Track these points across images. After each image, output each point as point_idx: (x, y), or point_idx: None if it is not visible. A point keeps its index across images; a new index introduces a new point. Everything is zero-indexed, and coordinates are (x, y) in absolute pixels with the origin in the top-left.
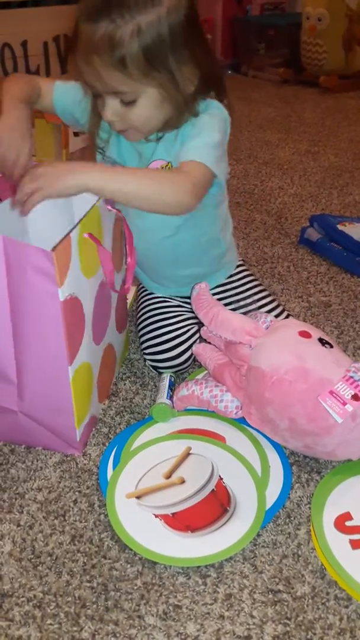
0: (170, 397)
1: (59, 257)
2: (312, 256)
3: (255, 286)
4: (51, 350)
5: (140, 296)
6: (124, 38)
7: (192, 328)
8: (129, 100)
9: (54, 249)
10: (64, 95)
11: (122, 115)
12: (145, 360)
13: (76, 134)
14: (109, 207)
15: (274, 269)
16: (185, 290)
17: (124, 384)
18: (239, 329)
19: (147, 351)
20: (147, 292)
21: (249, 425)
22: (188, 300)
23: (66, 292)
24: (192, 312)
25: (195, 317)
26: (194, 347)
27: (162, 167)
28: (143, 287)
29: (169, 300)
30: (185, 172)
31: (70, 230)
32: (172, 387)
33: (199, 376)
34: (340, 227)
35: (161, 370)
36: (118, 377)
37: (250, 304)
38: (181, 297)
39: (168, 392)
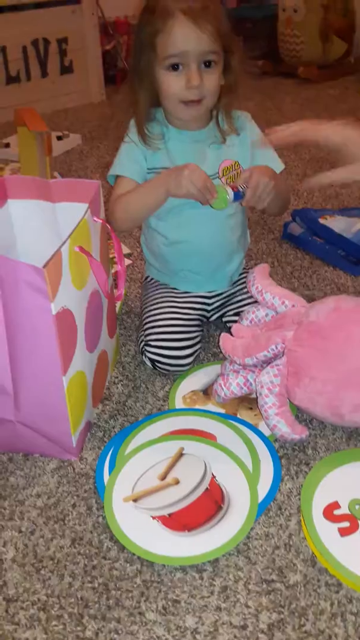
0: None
1: (50, 273)
2: (295, 250)
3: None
4: (45, 361)
5: (149, 287)
6: (215, 7)
7: (200, 332)
8: (210, 60)
9: (45, 265)
10: (138, 171)
11: (203, 80)
12: (144, 353)
13: (59, 138)
14: (95, 219)
15: (259, 264)
16: (211, 285)
17: (117, 388)
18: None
19: (153, 344)
20: (159, 284)
21: (238, 421)
22: (200, 300)
23: (58, 306)
24: (200, 316)
25: (201, 325)
26: (221, 338)
27: (232, 165)
28: (151, 278)
29: (183, 296)
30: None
31: (61, 245)
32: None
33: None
34: (322, 220)
35: (160, 367)
36: (110, 381)
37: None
38: (196, 295)
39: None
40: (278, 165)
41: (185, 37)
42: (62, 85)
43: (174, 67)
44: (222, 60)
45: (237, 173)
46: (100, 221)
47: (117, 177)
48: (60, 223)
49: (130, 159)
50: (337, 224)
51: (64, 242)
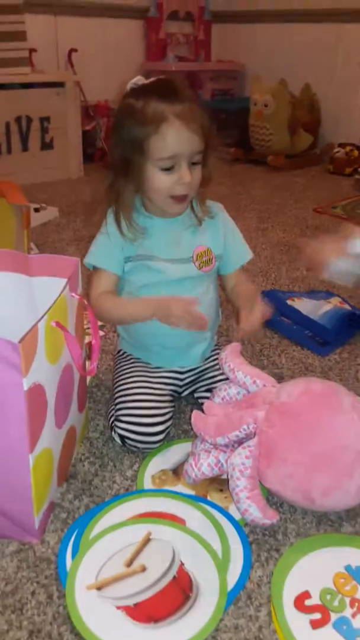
0: None
1: (25, 348)
2: (264, 329)
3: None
4: (12, 438)
5: (122, 360)
6: (200, 107)
7: (172, 409)
8: (196, 161)
9: (21, 340)
10: (115, 263)
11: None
12: (113, 428)
13: (37, 210)
14: (73, 294)
15: (229, 341)
16: (183, 361)
17: (83, 465)
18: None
19: (124, 419)
20: (132, 358)
21: (208, 504)
22: (173, 375)
23: (30, 381)
24: (172, 392)
25: (173, 401)
26: (192, 415)
27: (205, 251)
28: (124, 352)
29: (155, 371)
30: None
31: (39, 320)
32: None
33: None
34: (289, 302)
35: (130, 443)
36: (77, 458)
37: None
38: (169, 370)
39: None
40: (247, 254)
41: (179, 141)
42: (42, 160)
43: (168, 168)
44: (200, 161)
45: (210, 259)
46: (78, 297)
47: (95, 266)
48: (36, 297)
49: (108, 252)
50: (304, 305)
51: (42, 317)
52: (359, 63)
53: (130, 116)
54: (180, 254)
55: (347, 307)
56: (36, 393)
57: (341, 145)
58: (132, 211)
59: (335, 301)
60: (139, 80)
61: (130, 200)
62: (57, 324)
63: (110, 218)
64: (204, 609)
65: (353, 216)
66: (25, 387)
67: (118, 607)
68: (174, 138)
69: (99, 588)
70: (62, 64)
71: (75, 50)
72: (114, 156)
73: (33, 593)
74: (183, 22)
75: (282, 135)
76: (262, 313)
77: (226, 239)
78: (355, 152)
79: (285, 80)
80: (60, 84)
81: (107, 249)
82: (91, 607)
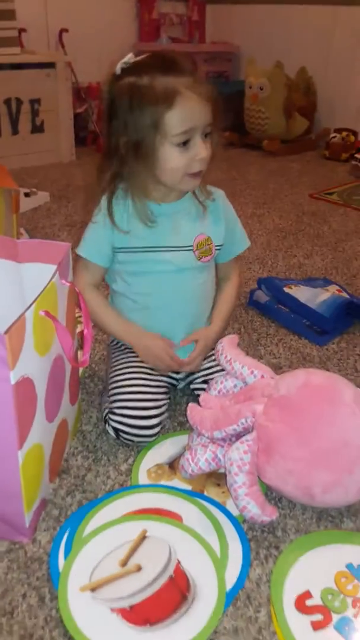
0: None
1: (12, 340)
2: (261, 318)
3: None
4: (0, 434)
5: (116, 351)
6: (205, 80)
7: (167, 401)
8: (207, 133)
9: (7, 331)
10: (104, 257)
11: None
12: (107, 421)
13: (27, 195)
14: (64, 281)
15: (226, 330)
16: (179, 351)
17: (76, 460)
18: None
19: (118, 411)
20: (126, 348)
21: (205, 499)
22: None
23: (18, 375)
24: (168, 384)
25: (169, 392)
26: (188, 408)
27: (205, 240)
28: (118, 341)
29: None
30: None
31: (26, 309)
32: None
33: (191, 443)
34: (286, 289)
35: (124, 436)
36: (69, 452)
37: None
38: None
39: None
40: (245, 243)
41: (194, 113)
42: (33, 143)
43: (184, 142)
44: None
45: (210, 248)
46: (69, 284)
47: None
48: (25, 284)
49: (96, 243)
50: (302, 293)
51: (30, 306)
52: None
53: (136, 95)
54: (180, 241)
55: (345, 295)
56: (25, 387)
57: (337, 130)
58: (147, 197)
59: (333, 289)
60: (131, 58)
61: (145, 186)
62: (47, 313)
63: (103, 207)
64: (202, 611)
65: (349, 202)
66: (13, 381)
67: (113, 610)
68: (189, 111)
69: (92, 589)
70: (53, 44)
71: (66, 31)
72: (115, 141)
73: (24, 595)
74: (176, 2)
75: (278, 119)
76: (203, 351)
77: (227, 228)
78: (352, 138)
79: (282, 62)
80: (51, 65)
81: (95, 239)
82: (85, 609)
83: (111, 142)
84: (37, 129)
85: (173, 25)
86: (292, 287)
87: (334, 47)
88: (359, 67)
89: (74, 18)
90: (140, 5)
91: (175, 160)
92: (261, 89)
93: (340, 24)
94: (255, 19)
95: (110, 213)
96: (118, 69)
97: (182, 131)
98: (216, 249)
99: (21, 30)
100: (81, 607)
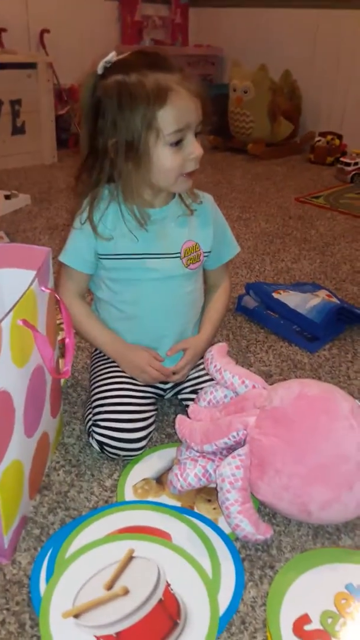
0: None
1: None
2: (249, 324)
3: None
4: None
5: (99, 359)
6: (193, 76)
7: (155, 412)
8: (198, 131)
9: None
10: (87, 264)
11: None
12: (90, 434)
13: (7, 197)
14: (43, 288)
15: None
16: (166, 360)
17: (58, 475)
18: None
19: (102, 424)
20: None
21: (195, 516)
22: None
23: None
24: (155, 394)
25: (156, 404)
26: (177, 420)
27: (193, 246)
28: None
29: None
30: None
31: (3, 318)
32: None
33: (180, 456)
34: (275, 295)
35: (109, 450)
36: (51, 467)
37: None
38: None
39: None
40: (234, 249)
41: (188, 110)
42: (14, 145)
43: (177, 142)
44: None
45: (198, 255)
46: (49, 291)
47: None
48: (2, 291)
49: (79, 249)
50: (291, 299)
51: (6, 315)
52: None
53: (126, 93)
54: (167, 248)
55: (335, 300)
56: (1, 401)
57: (322, 134)
58: (138, 200)
59: (322, 294)
60: (113, 57)
61: (137, 188)
62: (25, 322)
63: (85, 213)
64: (193, 638)
65: (337, 206)
66: None
67: (98, 637)
68: (183, 108)
69: (76, 615)
70: (34, 45)
71: (48, 32)
72: (103, 143)
73: (2, 622)
74: (159, 5)
75: (263, 123)
76: (192, 359)
77: (216, 234)
78: (337, 141)
79: (266, 65)
80: (32, 65)
81: (79, 246)
82: (68, 637)
83: (96, 143)
84: (18, 130)
85: (156, 28)
86: (281, 292)
87: (318, 50)
88: (343, 71)
89: (56, 19)
90: (122, 7)
91: (169, 160)
92: (245, 92)
93: (324, 28)
94: (238, 22)
95: (91, 218)
96: (100, 68)
97: (176, 129)
98: (204, 256)
99: (1, 30)
100: (64, 634)
